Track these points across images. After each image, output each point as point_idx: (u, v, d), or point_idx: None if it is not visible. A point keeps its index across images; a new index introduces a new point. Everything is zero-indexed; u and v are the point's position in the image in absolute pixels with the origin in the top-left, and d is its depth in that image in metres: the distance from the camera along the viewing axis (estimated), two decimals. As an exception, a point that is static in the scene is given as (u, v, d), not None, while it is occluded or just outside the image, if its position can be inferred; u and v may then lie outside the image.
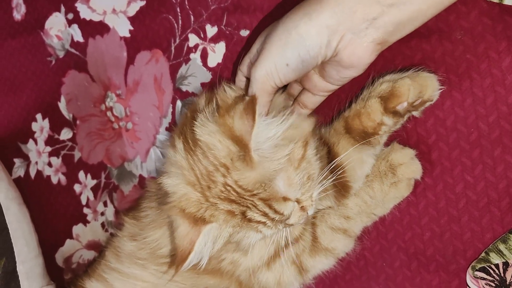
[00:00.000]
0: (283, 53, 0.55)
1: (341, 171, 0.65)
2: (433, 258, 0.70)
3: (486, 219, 0.66)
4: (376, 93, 0.64)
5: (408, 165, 0.67)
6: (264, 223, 0.58)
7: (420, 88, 0.62)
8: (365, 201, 0.69)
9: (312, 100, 0.66)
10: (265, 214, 0.57)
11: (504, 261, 0.64)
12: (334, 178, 0.63)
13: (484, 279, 0.66)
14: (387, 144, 0.70)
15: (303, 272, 0.70)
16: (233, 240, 0.60)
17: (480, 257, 0.66)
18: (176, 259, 0.59)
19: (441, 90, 0.64)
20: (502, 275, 0.65)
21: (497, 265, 0.65)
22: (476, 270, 0.66)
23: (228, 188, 0.56)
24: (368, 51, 0.54)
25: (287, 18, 0.56)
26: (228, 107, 0.57)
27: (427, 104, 0.65)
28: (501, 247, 0.65)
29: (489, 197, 0.66)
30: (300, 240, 0.69)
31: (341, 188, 0.67)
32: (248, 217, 0.57)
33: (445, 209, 0.69)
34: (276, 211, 0.57)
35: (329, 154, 0.68)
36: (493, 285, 0.65)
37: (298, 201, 0.60)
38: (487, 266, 0.65)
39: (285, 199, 0.58)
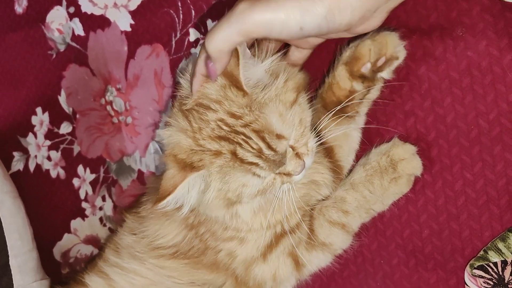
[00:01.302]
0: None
1: (323, 136, 0.66)
2: (431, 256, 0.70)
3: (485, 217, 0.66)
4: (341, 61, 0.65)
5: (409, 160, 0.67)
6: (256, 165, 0.57)
7: (380, 46, 0.62)
8: (364, 196, 0.68)
9: (300, 56, 0.67)
10: (259, 152, 0.57)
11: (503, 259, 0.64)
12: (320, 141, 0.64)
13: (482, 277, 0.65)
14: (388, 140, 0.70)
15: (299, 266, 0.70)
16: (231, 193, 0.60)
17: (478, 255, 0.66)
18: (158, 195, 0.60)
19: (404, 45, 0.64)
20: (500, 273, 0.64)
21: (495, 264, 0.65)
22: (475, 268, 0.66)
23: (220, 123, 0.57)
24: (381, 20, 0.57)
25: None
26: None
27: (395, 63, 0.64)
28: (500, 245, 0.64)
29: (488, 195, 0.65)
30: (296, 231, 0.68)
31: (334, 172, 0.68)
32: (239, 156, 0.57)
33: (444, 207, 0.68)
34: (269, 146, 0.57)
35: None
36: (491, 283, 0.65)
37: (293, 148, 0.60)
38: (486, 264, 0.65)
39: (279, 136, 0.58)
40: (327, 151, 0.68)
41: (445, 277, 0.69)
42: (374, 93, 0.67)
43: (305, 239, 0.69)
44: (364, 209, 0.70)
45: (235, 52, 0.56)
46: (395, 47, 0.63)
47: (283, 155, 0.59)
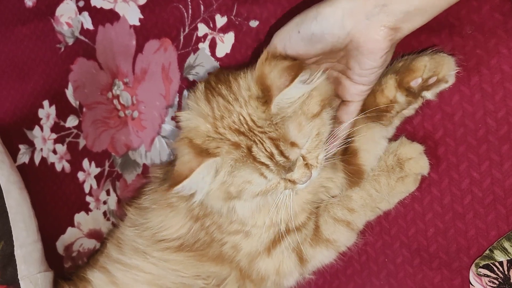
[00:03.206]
0: (299, 22, 0.59)
1: (351, 140, 0.66)
2: (436, 255, 0.70)
3: (491, 216, 0.65)
4: (392, 70, 0.65)
5: (416, 160, 0.67)
6: (267, 166, 0.58)
7: (436, 65, 0.63)
8: (370, 194, 0.68)
9: (348, 110, 0.65)
10: (270, 156, 0.57)
11: (509, 258, 0.64)
12: (342, 145, 0.64)
13: (487, 276, 0.65)
14: (395, 139, 0.70)
15: (303, 262, 0.70)
16: (233, 188, 0.60)
17: (484, 254, 0.65)
18: (171, 180, 0.59)
19: (457, 71, 0.64)
20: (506, 272, 0.64)
21: (501, 263, 0.64)
22: (480, 267, 0.65)
23: (241, 118, 0.58)
24: (382, 35, 0.56)
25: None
26: (273, 56, 0.60)
27: (442, 85, 0.65)
28: (506, 244, 0.64)
29: (495, 194, 0.65)
30: (302, 229, 0.68)
31: (353, 175, 0.67)
32: (253, 153, 0.57)
33: (450, 205, 0.68)
34: (282, 153, 0.57)
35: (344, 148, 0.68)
36: (497, 282, 0.65)
37: (303, 158, 0.60)
38: (491, 263, 0.65)
39: (293, 144, 0.58)
40: (351, 153, 0.68)
41: (450, 276, 0.69)
42: (411, 110, 0.68)
43: (310, 235, 0.69)
44: (370, 207, 0.70)
45: (293, 75, 0.56)
46: (449, 70, 0.63)
47: (294, 162, 0.59)
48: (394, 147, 0.68)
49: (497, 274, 0.64)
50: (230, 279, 0.72)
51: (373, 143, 0.68)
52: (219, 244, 0.70)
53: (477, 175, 0.66)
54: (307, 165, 0.60)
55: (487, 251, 0.65)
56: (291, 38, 0.60)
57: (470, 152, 0.66)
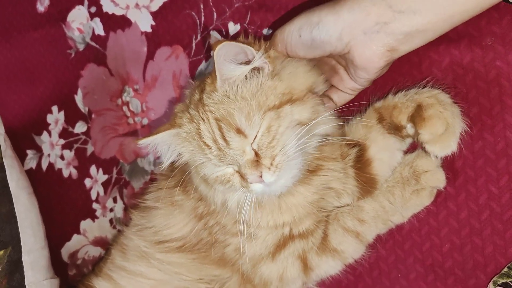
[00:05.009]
0: (301, 26, 0.60)
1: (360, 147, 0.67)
2: (451, 272, 0.68)
3: (510, 233, 0.64)
4: (413, 99, 0.64)
5: (433, 173, 0.65)
6: (209, 147, 0.60)
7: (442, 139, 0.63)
8: (383, 206, 0.67)
9: (339, 95, 0.66)
10: (214, 139, 0.60)
11: (528, 277, 0.62)
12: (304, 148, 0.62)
13: (505, 295, 0.63)
14: (412, 150, 0.68)
15: (307, 270, 0.68)
16: (198, 168, 0.64)
17: (502, 272, 0.63)
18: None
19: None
20: (525, 292, 0.62)
21: (520, 282, 0.62)
22: (498, 286, 0.63)
23: (200, 101, 0.63)
24: (377, 55, 0.56)
25: (320, 5, 0.60)
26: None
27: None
28: (525, 262, 0.62)
29: (514, 210, 0.63)
30: (309, 236, 0.67)
31: (366, 184, 0.66)
32: (200, 131, 0.61)
33: (466, 221, 0.66)
34: (223, 138, 0.59)
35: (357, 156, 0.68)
36: (515, 302, 0.63)
37: (256, 154, 0.59)
38: (510, 281, 0.63)
39: (239, 131, 0.59)
40: (365, 162, 0.67)
41: (466, 294, 0.67)
42: None
43: (317, 244, 0.68)
44: (382, 219, 0.68)
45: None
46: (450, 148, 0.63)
47: (238, 152, 0.59)
48: (410, 159, 0.67)
49: (516, 293, 0.63)
50: (231, 283, 0.70)
51: (388, 153, 0.67)
52: (222, 245, 0.69)
53: (496, 189, 0.64)
54: (258, 163, 0.59)
55: (506, 269, 0.63)
56: (292, 40, 0.61)
57: (488, 166, 0.64)
